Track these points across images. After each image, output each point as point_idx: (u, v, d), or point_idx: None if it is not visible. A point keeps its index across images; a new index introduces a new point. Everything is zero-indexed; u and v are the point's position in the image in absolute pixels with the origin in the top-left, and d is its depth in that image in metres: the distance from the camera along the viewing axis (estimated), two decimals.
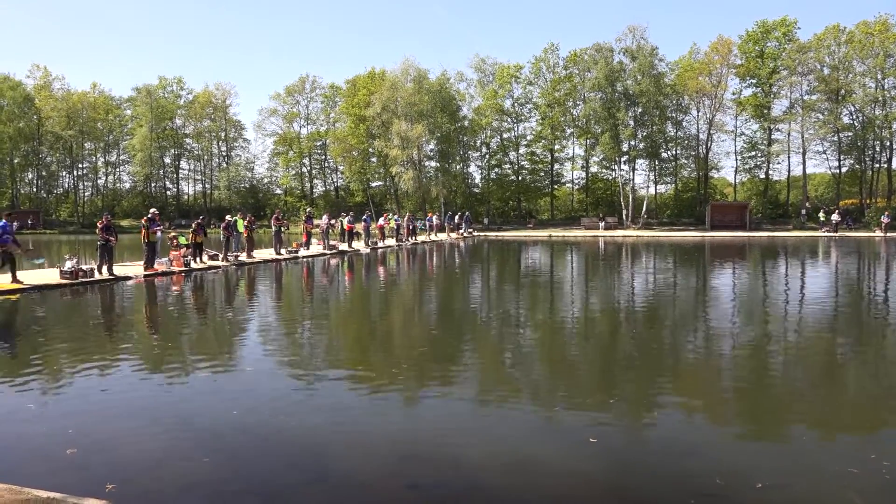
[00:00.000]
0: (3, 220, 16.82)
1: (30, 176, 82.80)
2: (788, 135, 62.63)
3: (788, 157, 64.56)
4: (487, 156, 73.45)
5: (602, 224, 58.69)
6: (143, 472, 4.90)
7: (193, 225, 23.97)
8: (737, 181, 69.13)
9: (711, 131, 64.50)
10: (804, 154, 61.55)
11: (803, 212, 59.06)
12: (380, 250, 34.41)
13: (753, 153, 66.04)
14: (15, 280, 16.37)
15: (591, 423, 6.00)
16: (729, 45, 61.35)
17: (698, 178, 67.03)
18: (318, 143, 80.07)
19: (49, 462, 5.08)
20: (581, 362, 8.78)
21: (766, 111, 62.66)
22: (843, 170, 63.37)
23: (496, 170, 73.81)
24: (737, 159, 66.77)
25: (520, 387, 7.45)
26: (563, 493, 4.61)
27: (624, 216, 62.03)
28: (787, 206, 65.77)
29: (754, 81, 62.97)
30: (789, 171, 66.26)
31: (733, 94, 64.65)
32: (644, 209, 62.99)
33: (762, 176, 66.27)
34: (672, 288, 18.13)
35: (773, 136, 63.92)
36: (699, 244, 39.41)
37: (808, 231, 52.53)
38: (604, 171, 70.71)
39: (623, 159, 64.17)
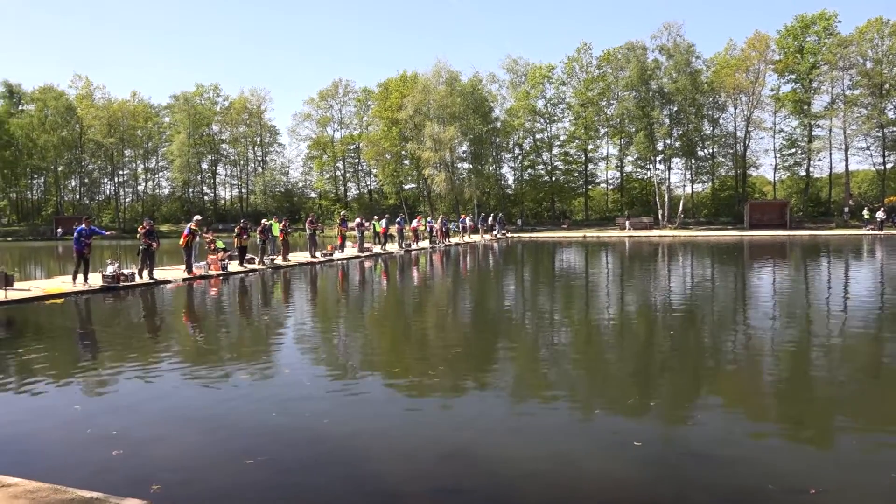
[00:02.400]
0: (81, 225, 17.41)
1: (73, 183, 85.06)
2: (830, 131, 61.22)
3: (830, 154, 63.01)
4: (520, 157, 73.22)
5: (628, 224, 57.82)
6: (187, 474, 4.95)
7: (237, 229, 24.28)
8: (776, 179, 67.80)
9: (749, 128, 63.35)
10: (846, 150, 60.12)
11: (846, 210, 57.58)
12: (413, 252, 34.49)
13: (793, 150, 64.62)
14: (83, 281, 17.22)
15: (633, 426, 5.89)
16: (766, 41, 60.13)
17: (736, 177, 65.84)
18: (352, 147, 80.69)
19: (95, 463, 5.16)
20: (619, 364, 8.65)
21: (805, 107, 61.23)
22: (889, 166, 61.58)
23: (529, 171, 73.53)
24: (776, 157, 65.49)
25: (558, 388, 7.36)
26: (607, 498, 4.52)
27: (660, 216, 61.20)
28: (829, 203, 64.21)
29: (793, 77, 61.58)
30: (831, 168, 64.62)
31: (771, 90, 63.38)
32: (680, 209, 62.05)
33: (802, 173, 64.77)
34: (711, 288, 17.79)
35: (813, 133, 62.47)
36: (738, 244, 38.66)
37: (851, 229, 51.14)
38: (638, 170, 70.01)
39: (658, 158, 63.39)
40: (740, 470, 4.90)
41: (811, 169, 64.49)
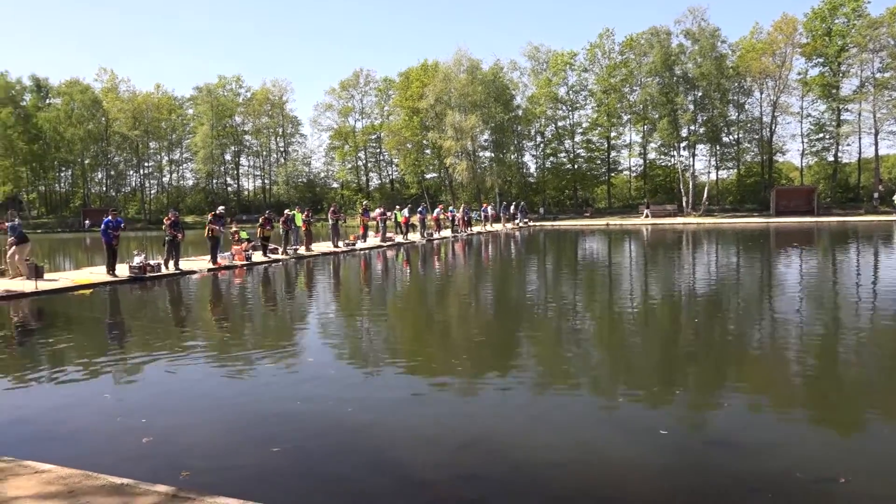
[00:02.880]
0: (108, 217, 17.71)
1: (99, 175, 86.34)
2: (859, 115, 59.88)
3: (859, 139, 61.68)
4: (542, 145, 72.80)
5: (646, 212, 57.22)
6: (215, 461, 5.03)
7: (261, 219, 24.49)
8: (803, 164, 66.63)
9: (776, 113, 62.24)
10: (876, 135, 58.73)
11: (875, 195, 56.38)
12: (436, 242, 34.52)
13: (821, 135, 63.35)
14: (111, 272, 17.47)
15: (659, 414, 5.86)
16: (794, 24, 58.96)
17: (762, 163, 64.84)
18: (373, 137, 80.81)
19: (126, 450, 5.26)
20: (642, 351, 8.59)
21: (834, 91, 59.97)
22: None
23: (551, 159, 73.09)
24: (803, 142, 64.31)
25: (581, 376, 7.33)
26: (634, 487, 4.50)
27: (684, 203, 60.51)
28: (857, 189, 62.96)
29: (821, 60, 60.32)
30: (860, 153, 63.24)
31: (799, 74, 62.18)
32: (705, 196, 61.28)
33: (830, 158, 63.55)
34: (736, 276, 17.58)
35: (842, 117, 61.19)
36: (764, 231, 38.11)
37: (881, 216, 50.06)
38: (662, 157, 69.21)
39: (682, 145, 62.59)
40: (768, 458, 4.85)
41: (839, 154, 63.28)
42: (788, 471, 4.56)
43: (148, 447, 5.28)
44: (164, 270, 18.65)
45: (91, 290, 15.93)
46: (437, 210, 42.78)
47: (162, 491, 4.08)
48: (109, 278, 17.14)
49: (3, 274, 17.35)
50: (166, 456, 5.11)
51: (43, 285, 15.47)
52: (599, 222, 54.24)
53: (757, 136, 63.92)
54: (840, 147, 62.63)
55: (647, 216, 56.59)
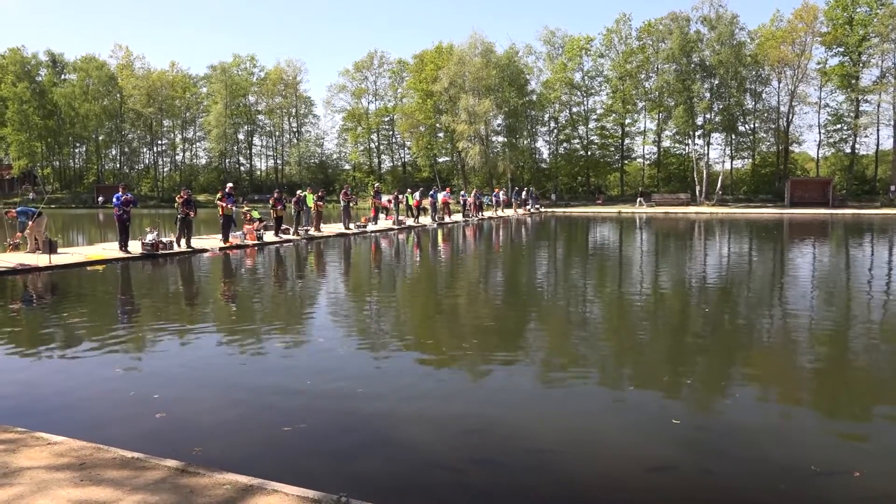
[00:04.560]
0: (119, 192, 17.80)
1: (113, 152, 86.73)
2: (878, 106, 59.02)
3: (878, 130, 60.77)
4: (556, 130, 72.31)
5: (640, 200, 57.03)
6: (226, 438, 5.06)
7: (271, 200, 24.52)
8: (819, 156, 65.80)
9: (793, 103, 61.45)
10: (895, 127, 57.93)
11: (892, 188, 55.72)
12: (447, 226, 34.47)
13: (839, 126, 62.52)
14: (124, 248, 17.60)
15: (672, 404, 5.82)
16: (814, 12, 58.05)
17: (778, 153, 64.17)
18: (386, 119, 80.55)
19: (139, 425, 5.29)
20: (653, 340, 8.55)
21: (853, 81, 59.09)
22: None
23: (564, 145, 72.62)
24: (820, 133, 63.46)
25: (591, 364, 7.31)
26: (646, 475, 4.48)
27: (697, 192, 60.07)
28: (874, 182, 62.16)
29: (841, 50, 59.40)
30: (878, 145, 62.30)
31: (818, 63, 61.25)
32: (719, 185, 60.78)
33: (847, 150, 62.74)
34: (748, 267, 17.45)
35: (860, 108, 60.33)
36: (777, 222, 37.80)
37: None
38: (676, 145, 68.59)
39: (697, 133, 61.97)
40: (783, 450, 4.81)
41: (857, 146, 62.43)
42: (804, 464, 4.52)
43: (161, 422, 5.31)
44: (175, 248, 18.73)
45: (103, 266, 16.03)
46: (443, 193, 42.54)
47: (172, 466, 4.11)
48: (122, 254, 17.24)
49: (19, 247, 17.50)
50: (179, 432, 5.15)
51: (56, 259, 15.57)
52: (611, 210, 53.98)
53: (773, 126, 63.17)
54: (857, 139, 61.82)
55: (640, 204, 56.58)
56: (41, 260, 15.30)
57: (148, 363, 7.40)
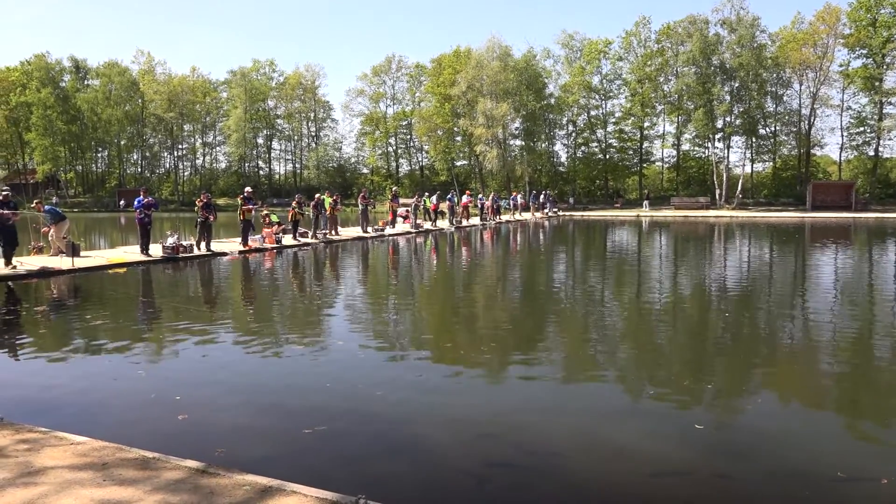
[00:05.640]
0: (140, 196, 18.00)
1: (135, 156, 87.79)
2: None
3: None
4: (574, 134, 72.01)
5: (645, 203, 56.56)
6: (248, 439, 5.09)
7: (293, 203, 24.71)
8: (842, 159, 64.85)
9: (815, 106, 60.66)
10: None
11: None
12: (464, 229, 34.46)
13: (862, 129, 61.61)
14: (145, 252, 17.75)
15: (694, 409, 5.77)
16: (837, 14, 57.30)
17: (799, 156, 63.41)
18: (404, 123, 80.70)
19: (161, 427, 5.35)
20: (671, 345, 8.48)
21: (877, 84, 58.21)
22: None
23: (583, 148, 72.28)
24: (842, 135, 62.56)
25: (611, 369, 7.26)
26: (668, 481, 4.44)
27: (717, 196, 59.52)
28: None
29: (865, 52, 58.54)
30: None
31: (840, 66, 60.39)
32: (739, 188, 60.17)
33: (871, 153, 61.82)
34: (769, 273, 17.25)
35: (884, 111, 59.42)
36: (799, 225, 37.34)
37: None
38: (696, 149, 68.01)
39: (717, 136, 61.40)
40: (808, 457, 4.75)
41: (880, 149, 61.46)
42: (830, 471, 4.46)
43: (184, 424, 5.36)
44: (196, 251, 18.90)
45: (125, 269, 16.22)
46: (464, 197, 42.54)
47: (192, 466, 4.15)
48: (143, 258, 17.43)
49: (42, 251, 17.77)
50: (201, 434, 5.20)
51: (79, 263, 15.79)
52: (630, 213, 53.65)
53: (795, 129, 62.43)
54: (881, 142, 60.88)
55: (645, 207, 56.41)
56: (64, 263, 15.52)
57: (169, 365, 7.47)
